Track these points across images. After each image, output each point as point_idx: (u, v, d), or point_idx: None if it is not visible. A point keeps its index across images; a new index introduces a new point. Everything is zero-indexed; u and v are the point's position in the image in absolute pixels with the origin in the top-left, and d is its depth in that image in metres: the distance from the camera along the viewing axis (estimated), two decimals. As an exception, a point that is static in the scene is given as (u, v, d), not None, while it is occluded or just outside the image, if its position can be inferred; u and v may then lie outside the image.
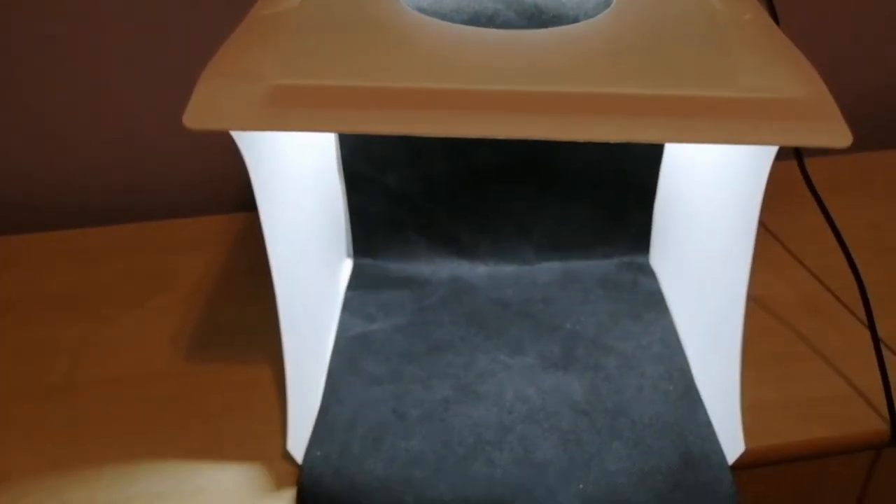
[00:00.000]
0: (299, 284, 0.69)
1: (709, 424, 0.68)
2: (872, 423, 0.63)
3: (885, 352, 0.65)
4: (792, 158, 0.76)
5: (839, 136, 0.34)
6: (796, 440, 0.63)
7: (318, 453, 0.66)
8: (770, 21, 0.49)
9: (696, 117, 0.35)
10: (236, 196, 1.10)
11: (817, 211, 0.72)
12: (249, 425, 0.68)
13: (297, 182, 0.74)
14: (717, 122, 0.35)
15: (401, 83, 0.38)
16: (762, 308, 0.83)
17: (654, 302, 0.86)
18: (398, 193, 0.91)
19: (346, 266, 0.94)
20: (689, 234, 0.85)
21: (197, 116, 0.38)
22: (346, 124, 0.37)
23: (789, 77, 0.38)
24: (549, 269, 0.91)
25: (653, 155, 0.89)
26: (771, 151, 0.47)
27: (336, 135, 0.87)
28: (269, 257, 0.54)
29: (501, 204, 0.90)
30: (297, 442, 0.63)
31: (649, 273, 0.91)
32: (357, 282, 0.90)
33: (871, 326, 0.66)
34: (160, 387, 0.74)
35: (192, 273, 0.92)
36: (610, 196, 0.92)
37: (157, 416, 0.70)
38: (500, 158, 0.89)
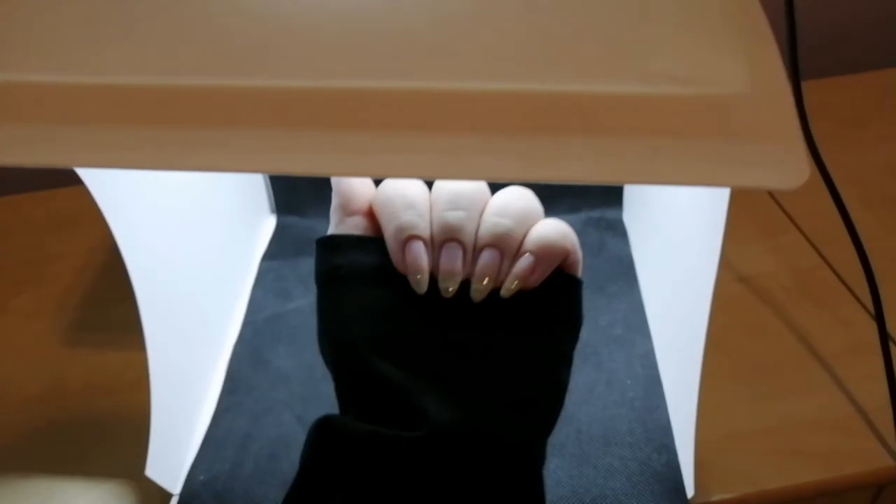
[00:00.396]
0: (168, 258, 0.56)
1: (668, 435, 0.56)
2: (876, 458, 0.48)
3: (894, 353, 0.51)
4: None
5: (788, 172, 0.18)
6: (776, 486, 0.49)
7: (202, 477, 0.56)
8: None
9: (553, 135, 0.20)
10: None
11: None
12: (121, 441, 0.56)
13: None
14: (586, 143, 0.20)
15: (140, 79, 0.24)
16: (751, 291, 0.69)
17: (622, 270, 0.72)
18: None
19: (267, 226, 0.81)
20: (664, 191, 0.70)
21: None
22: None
23: (727, 58, 0.20)
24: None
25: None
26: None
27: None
28: (107, 219, 0.41)
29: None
30: (162, 464, 0.52)
31: (620, 232, 0.77)
32: (276, 248, 0.77)
33: (879, 319, 0.52)
34: (16, 397, 0.62)
35: (70, 259, 0.77)
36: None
37: (15, 430, 0.59)
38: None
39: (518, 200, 0.32)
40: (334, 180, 0.33)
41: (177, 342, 0.55)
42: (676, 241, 0.60)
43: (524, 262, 0.31)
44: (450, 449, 0.28)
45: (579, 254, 0.34)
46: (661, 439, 0.55)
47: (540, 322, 0.32)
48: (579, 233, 0.81)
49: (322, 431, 0.31)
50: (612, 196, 0.79)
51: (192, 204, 0.62)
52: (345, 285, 0.32)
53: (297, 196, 0.79)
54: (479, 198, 0.31)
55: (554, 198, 0.79)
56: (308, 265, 0.75)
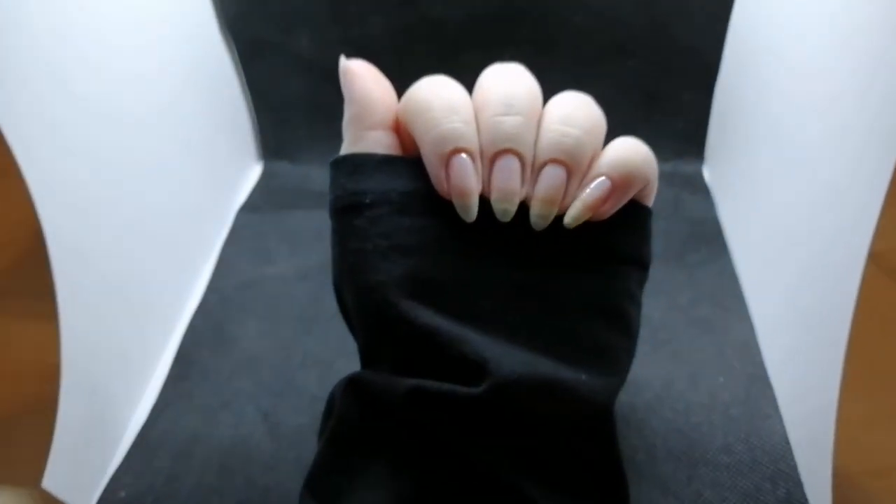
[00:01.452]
0: (100, 196, 0.41)
1: (785, 459, 0.39)
2: None
3: None
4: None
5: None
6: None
7: (123, 493, 0.40)
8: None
9: None
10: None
11: None
12: (25, 440, 0.42)
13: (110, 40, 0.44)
14: None
15: None
16: (885, 273, 0.50)
17: (706, 236, 0.56)
18: (318, 64, 0.60)
19: (251, 174, 0.65)
20: (772, 134, 0.52)
21: None
22: None
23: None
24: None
25: (716, 5, 0.55)
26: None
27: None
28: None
29: (472, 79, 0.58)
30: (69, 473, 0.37)
31: (701, 190, 0.60)
32: (259, 198, 0.62)
33: None
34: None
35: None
36: (645, 70, 0.59)
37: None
38: (466, 9, 0.57)
39: (584, 108, 0.27)
40: (347, 85, 0.27)
41: (107, 311, 0.42)
42: (793, 204, 0.43)
43: (599, 186, 0.26)
44: (517, 404, 0.25)
45: (656, 182, 0.29)
46: (774, 464, 0.39)
47: (606, 257, 0.28)
48: None
49: (355, 392, 0.28)
50: (689, 145, 0.61)
51: (147, 131, 0.47)
52: (370, 215, 0.27)
53: (289, 136, 0.64)
54: (534, 104, 0.26)
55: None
56: (297, 221, 0.60)
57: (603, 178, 0.26)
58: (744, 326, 0.47)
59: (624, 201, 0.26)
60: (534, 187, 0.25)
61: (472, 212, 0.25)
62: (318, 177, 0.63)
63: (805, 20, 0.47)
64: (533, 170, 0.25)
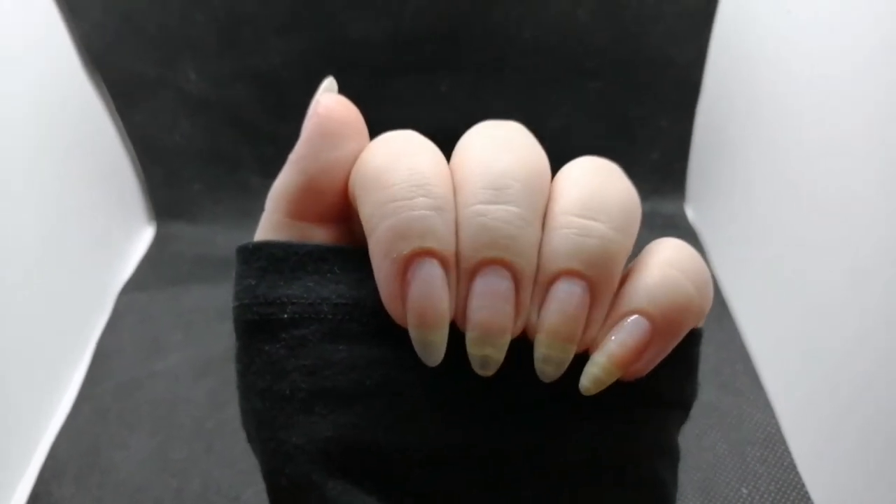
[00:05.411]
0: None
1: None
2: None
3: None
4: None
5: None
6: None
7: None
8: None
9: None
10: None
11: None
12: None
13: None
14: None
15: None
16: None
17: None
18: (211, 101, 0.48)
19: (142, 239, 0.53)
20: (768, 164, 0.43)
21: None
22: None
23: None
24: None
25: (695, 8, 0.46)
26: None
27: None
28: None
29: (404, 108, 0.48)
30: None
31: (686, 234, 0.51)
32: (149, 271, 0.50)
33: None
34: None
35: None
36: (612, 92, 0.50)
37: None
38: (392, 27, 0.46)
39: (613, 185, 0.17)
40: (305, 134, 0.18)
41: None
42: (801, 247, 0.34)
43: (633, 331, 0.17)
44: None
45: (711, 303, 0.18)
46: None
47: (638, 402, 0.19)
48: None
49: None
50: (668, 179, 0.52)
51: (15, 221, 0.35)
52: (289, 338, 0.19)
53: (184, 190, 0.52)
54: (538, 184, 0.17)
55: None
56: (195, 299, 0.48)
57: (637, 316, 0.17)
58: (763, 415, 0.37)
59: (667, 353, 0.18)
60: (538, 314, 0.17)
61: (437, 352, 0.17)
62: (222, 240, 0.51)
63: (804, 19, 0.38)
64: (537, 288, 0.17)
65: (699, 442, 0.37)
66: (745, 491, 0.34)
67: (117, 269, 0.50)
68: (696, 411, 0.38)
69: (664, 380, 0.19)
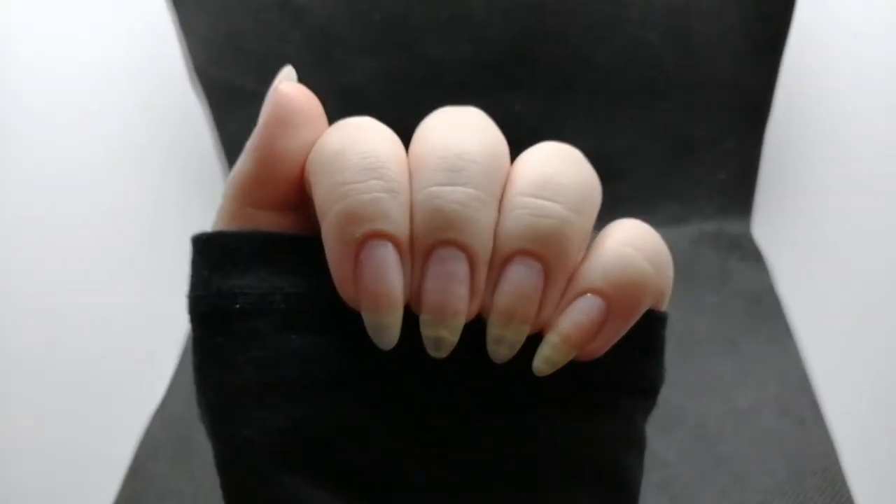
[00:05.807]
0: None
1: None
2: None
3: None
4: None
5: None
6: None
7: None
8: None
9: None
10: None
11: None
12: None
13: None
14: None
15: None
16: None
17: (765, 315, 0.46)
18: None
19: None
20: (838, 184, 0.43)
21: None
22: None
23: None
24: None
25: (766, 32, 0.47)
26: None
27: (176, 19, 0.48)
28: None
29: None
30: None
31: (752, 255, 0.51)
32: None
33: None
34: None
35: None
36: (681, 114, 0.51)
37: None
38: (471, 48, 0.48)
39: (571, 169, 0.17)
40: (263, 119, 0.17)
41: (59, 420, 0.33)
42: (873, 271, 0.34)
43: (587, 310, 0.17)
44: None
45: (670, 283, 0.18)
46: None
47: (599, 389, 0.19)
48: (689, 255, 0.56)
49: None
50: (734, 200, 0.52)
51: (112, 226, 0.40)
52: (240, 329, 0.18)
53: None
54: (494, 167, 0.17)
55: (647, 203, 0.53)
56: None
57: (591, 295, 0.17)
58: (823, 446, 0.38)
59: (623, 332, 0.17)
60: (492, 296, 0.17)
61: (390, 335, 0.17)
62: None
63: (873, 42, 0.38)
64: (491, 270, 0.17)
65: (760, 466, 0.38)
66: (802, 515, 0.35)
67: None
68: (756, 434, 0.39)
69: (629, 366, 0.19)
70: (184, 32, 0.48)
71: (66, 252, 0.41)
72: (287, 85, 0.18)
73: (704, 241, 0.52)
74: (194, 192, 0.53)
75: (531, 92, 0.50)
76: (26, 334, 0.36)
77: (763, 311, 0.46)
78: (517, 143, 0.57)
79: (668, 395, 0.42)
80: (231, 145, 0.54)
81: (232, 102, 0.52)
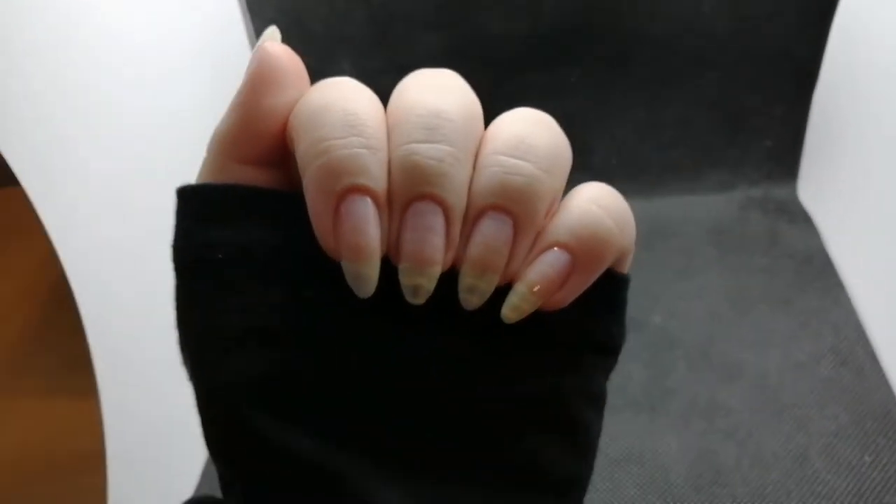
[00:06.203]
0: (134, 278, 0.36)
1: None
2: None
3: None
4: None
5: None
6: None
7: None
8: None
9: None
10: None
11: None
12: None
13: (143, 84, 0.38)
14: None
15: None
16: None
17: (815, 274, 0.48)
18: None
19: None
20: (887, 143, 0.45)
21: None
22: None
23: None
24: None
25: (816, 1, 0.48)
26: None
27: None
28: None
29: (535, 100, 0.51)
30: None
31: (801, 218, 0.53)
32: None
33: None
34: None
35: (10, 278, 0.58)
36: (730, 82, 0.52)
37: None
38: (531, 23, 0.50)
39: (543, 131, 0.18)
40: (247, 76, 0.18)
41: (144, 395, 0.35)
42: None
43: (552, 262, 0.18)
44: None
45: (633, 247, 0.20)
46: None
47: (562, 345, 0.20)
48: (738, 220, 0.58)
49: None
50: (781, 165, 0.54)
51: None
52: (221, 279, 0.19)
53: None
54: (470, 126, 0.18)
55: (692, 170, 0.55)
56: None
57: (557, 249, 0.18)
58: (882, 392, 0.40)
59: (587, 284, 0.19)
60: (465, 248, 0.18)
61: (368, 284, 0.18)
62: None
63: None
64: (465, 224, 0.18)
65: (822, 412, 0.40)
66: (868, 459, 0.37)
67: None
68: (815, 383, 0.41)
69: (591, 325, 0.20)
70: (251, 14, 0.50)
71: (143, 232, 0.42)
72: (271, 44, 0.18)
73: (752, 206, 0.54)
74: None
75: (586, 65, 0.52)
76: (123, 316, 0.37)
77: (814, 269, 0.48)
78: (571, 115, 0.60)
79: (729, 350, 0.44)
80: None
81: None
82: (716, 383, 0.42)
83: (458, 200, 0.17)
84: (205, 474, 0.41)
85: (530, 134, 0.18)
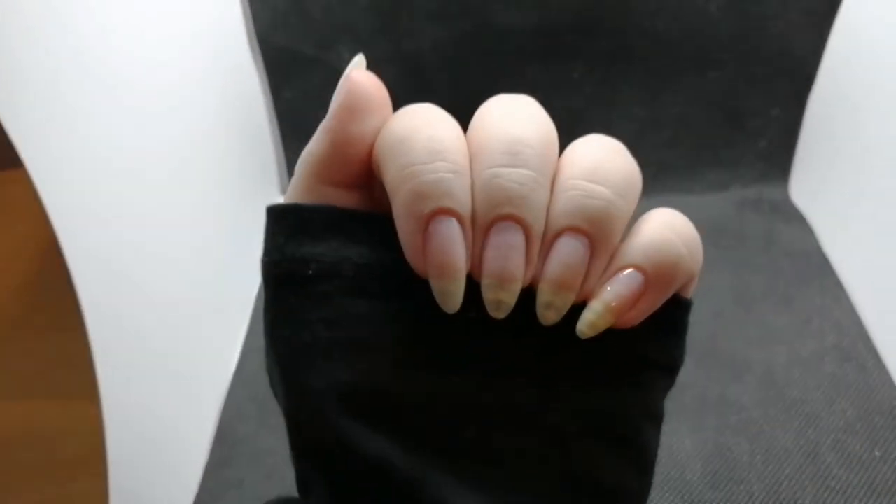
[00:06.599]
0: (132, 264, 0.35)
1: None
2: None
3: None
4: None
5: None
6: None
7: None
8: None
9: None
10: None
11: None
12: None
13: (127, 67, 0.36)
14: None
15: None
16: None
17: (813, 271, 0.49)
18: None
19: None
20: (878, 144, 0.46)
21: None
22: None
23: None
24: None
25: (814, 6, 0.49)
26: None
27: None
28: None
29: (537, 94, 0.51)
30: None
31: (794, 217, 0.53)
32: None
33: None
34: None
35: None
36: (730, 83, 0.53)
37: None
38: (537, 17, 0.49)
39: (616, 158, 0.19)
40: (336, 106, 0.19)
41: (145, 388, 0.34)
42: None
43: (627, 282, 0.19)
44: None
45: (700, 268, 0.21)
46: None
47: (628, 363, 0.21)
48: (735, 219, 0.57)
49: None
50: (773, 166, 0.55)
51: (170, 187, 0.39)
52: (312, 292, 0.20)
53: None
54: (549, 152, 0.19)
55: (689, 169, 0.55)
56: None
57: (632, 270, 0.19)
58: (886, 387, 0.41)
59: (658, 305, 0.20)
60: (542, 267, 0.19)
61: (454, 299, 0.19)
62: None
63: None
64: (544, 244, 0.19)
65: (829, 408, 0.40)
66: (878, 453, 0.38)
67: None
68: (822, 379, 0.42)
69: (655, 345, 0.21)
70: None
71: (130, 220, 0.40)
72: (358, 73, 0.19)
73: (747, 205, 0.54)
74: (247, 159, 0.52)
75: (590, 61, 0.51)
76: (116, 310, 0.35)
77: (812, 267, 0.49)
78: (573, 111, 0.59)
79: (734, 347, 0.44)
80: (284, 113, 0.54)
81: (289, 69, 0.52)
82: (724, 380, 0.43)
83: (537, 221, 0.18)
84: (204, 480, 0.39)
85: (606, 160, 0.19)
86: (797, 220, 0.53)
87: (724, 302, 0.47)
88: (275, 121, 0.54)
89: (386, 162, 0.19)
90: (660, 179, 0.55)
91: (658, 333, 0.21)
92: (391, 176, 0.19)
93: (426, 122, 0.19)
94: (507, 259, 0.18)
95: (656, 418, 0.22)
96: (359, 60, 0.20)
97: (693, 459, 0.39)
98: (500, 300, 0.19)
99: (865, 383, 0.41)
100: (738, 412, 0.41)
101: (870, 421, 0.39)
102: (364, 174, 0.20)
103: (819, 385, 0.41)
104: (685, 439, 0.40)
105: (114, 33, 0.37)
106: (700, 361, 0.43)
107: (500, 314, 0.19)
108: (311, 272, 0.20)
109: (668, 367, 0.22)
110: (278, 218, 0.21)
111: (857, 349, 0.43)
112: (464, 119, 0.20)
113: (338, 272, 0.20)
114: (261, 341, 0.36)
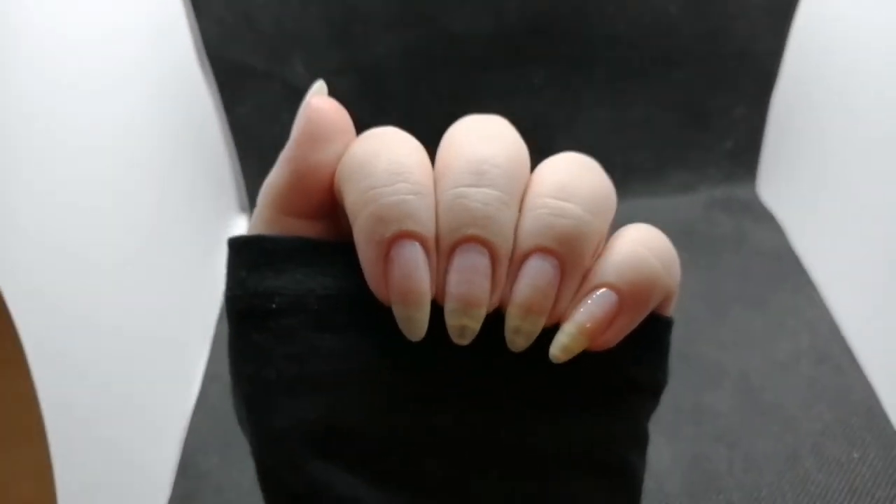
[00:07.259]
0: (70, 293, 0.33)
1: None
2: None
3: None
4: None
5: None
6: None
7: None
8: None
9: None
10: None
11: None
12: None
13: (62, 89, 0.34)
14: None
15: None
16: None
17: (785, 271, 0.49)
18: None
19: (237, 228, 0.55)
20: (844, 142, 0.46)
21: None
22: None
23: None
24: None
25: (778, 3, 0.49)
26: None
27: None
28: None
29: (498, 101, 0.50)
30: None
31: (764, 216, 0.53)
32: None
33: None
34: None
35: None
36: (694, 83, 0.52)
37: None
38: (493, 23, 0.48)
39: (588, 175, 0.19)
40: (297, 133, 0.19)
41: (100, 424, 0.32)
42: (883, 220, 0.37)
43: (601, 302, 0.18)
44: None
45: (678, 285, 0.20)
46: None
47: (609, 386, 0.20)
48: (704, 221, 0.57)
49: None
50: (740, 165, 0.54)
51: (122, 212, 0.38)
52: (276, 327, 0.19)
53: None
54: (517, 172, 0.18)
55: (657, 172, 0.55)
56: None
57: (605, 289, 0.18)
58: (862, 388, 0.40)
59: (634, 325, 0.19)
60: (511, 290, 0.18)
61: (419, 327, 0.18)
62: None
63: (882, 15, 0.41)
64: (512, 266, 0.18)
65: (806, 412, 0.39)
66: (856, 455, 0.37)
67: (218, 259, 0.52)
68: (798, 382, 0.41)
69: (637, 366, 0.20)
70: (195, 10, 0.46)
71: (73, 242, 0.38)
72: (318, 99, 0.19)
73: (716, 206, 0.54)
74: (203, 182, 0.51)
75: (550, 66, 0.50)
76: (62, 338, 0.34)
77: (784, 267, 0.48)
78: (536, 117, 0.58)
79: (708, 352, 0.43)
80: (238, 129, 0.52)
81: (241, 84, 0.50)
82: (700, 387, 0.42)
83: (504, 242, 0.18)
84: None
85: (575, 177, 0.18)
86: (766, 218, 0.52)
87: (696, 306, 0.47)
88: (230, 137, 0.53)
89: (347, 187, 0.18)
90: (626, 183, 0.54)
91: (638, 354, 0.20)
92: (352, 201, 0.18)
93: (387, 145, 0.18)
94: (471, 283, 0.18)
95: (641, 442, 0.21)
96: (319, 87, 0.19)
97: (671, 471, 0.38)
98: (465, 326, 0.18)
99: (841, 385, 0.40)
100: (715, 420, 0.40)
101: (847, 423, 0.39)
102: (328, 203, 0.19)
103: (795, 389, 0.41)
104: (662, 450, 0.39)
105: (51, 59, 0.35)
106: (674, 369, 0.42)
107: (464, 341, 0.18)
108: (274, 306, 0.19)
109: (652, 389, 0.21)
110: (239, 250, 0.20)
111: (832, 350, 0.42)
112: (423, 132, 0.20)
113: (302, 305, 0.19)
114: (222, 369, 0.34)
